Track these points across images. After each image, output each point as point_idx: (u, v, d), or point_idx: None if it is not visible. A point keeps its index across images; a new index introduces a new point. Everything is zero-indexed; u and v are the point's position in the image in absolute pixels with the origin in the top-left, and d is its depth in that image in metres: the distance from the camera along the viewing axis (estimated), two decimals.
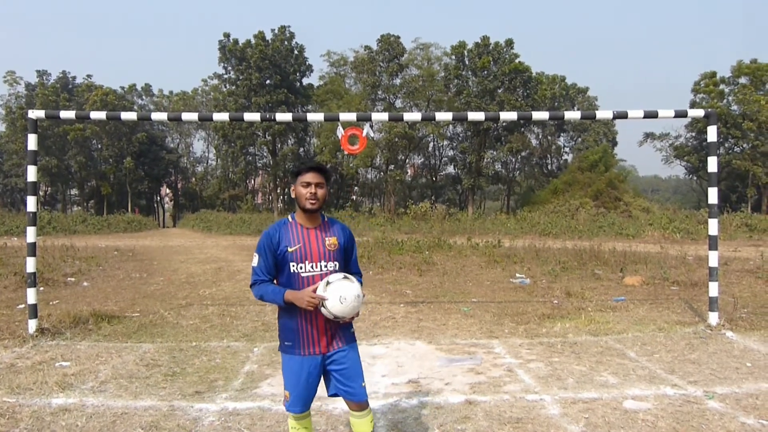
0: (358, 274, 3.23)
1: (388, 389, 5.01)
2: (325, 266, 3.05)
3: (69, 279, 12.44)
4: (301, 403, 3.12)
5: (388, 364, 5.83)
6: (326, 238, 3.09)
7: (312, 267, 3.03)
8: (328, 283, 2.95)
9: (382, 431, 4.16)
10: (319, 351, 3.07)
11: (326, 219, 3.20)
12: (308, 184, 3.03)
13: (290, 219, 3.15)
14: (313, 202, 3.03)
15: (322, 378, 3.17)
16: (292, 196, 3.11)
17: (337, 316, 2.93)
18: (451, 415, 4.42)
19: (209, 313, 8.81)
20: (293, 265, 3.03)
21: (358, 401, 3.15)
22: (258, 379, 5.37)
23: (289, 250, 3.03)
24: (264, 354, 6.31)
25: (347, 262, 3.21)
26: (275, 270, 3.09)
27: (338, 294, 2.92)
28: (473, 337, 7.07)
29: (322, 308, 2.93)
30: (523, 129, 46.88)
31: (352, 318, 3.06)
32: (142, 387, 5.12)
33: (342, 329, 3.14)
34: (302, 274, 3.03)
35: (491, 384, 5.17)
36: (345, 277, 2.99)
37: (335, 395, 3.18)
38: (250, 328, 7.66)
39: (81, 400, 4.73)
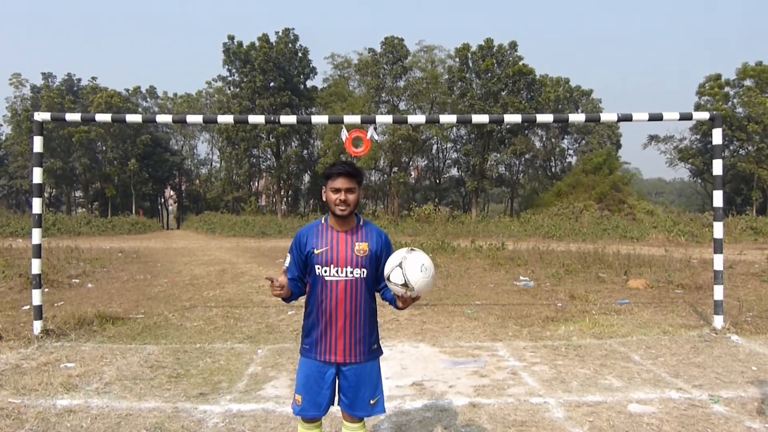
0: None
1: (392, 391, 5.01)
2: (351, 272, 2.94)
3: (74, 280, 12.48)
4: (312, 407, 3.02)
5: (392, 367, 5.82)
6: (356, 243, 2.97)
7: (337, 272, 2.94)
8: (412, 249, 2.85)
9: None
10: (335, 359, 2.98)
11: (362, 222, 3.08)
12: (338, 190, 2.93)
13: (323, 221, 3.08)
14: (343, 208, 2.93)
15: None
16: (324, 199, 3.02)
17: (408, 283, 2.74)
18: (455, 417, 4.42)
19: (213, 314, 8.82)
20: (318, 268, 2.96)
21: (351, 414, 3.07)
22: (262, 381, 5.37)
23: (315, 252, 2.96)
24: (268, 356, 6.32)
25: (380, 270, 3.01)
26: (304, 270, 3.04)
27: (421, 261, 2.78)
28: (477, 340, 7.06)
29: (396, 268, 2.77)
30: (526, 131, 46.81)
31: (414, 301, 2.86)
32: (147, 388, 5.13)
33: (364, 342, 3.03)
34: (326, 278, 2.95)
35: (495, 387, 5.16)
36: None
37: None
38: (254, 330, 7.67)
39: (86, 402, 4.74)
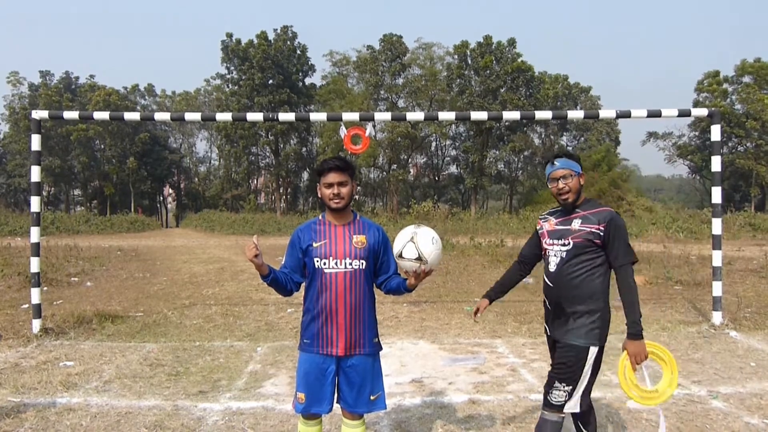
0: (396, 275, 3.13)
1: (392, 389, 5.01)
2: (350, 264, 2.97)
3: (73, 279, 12.47)
4: (315, 404, 3.01)
5: (391, 364, 5.83)
6: (354, 236, 3.02)
7: (336, 263, 2.97)
8: (419, 225, 2.97)
9: (385, 431, 4.16)
10: (336, 352, 2.98)
11: (358, 217, 3.14)
12: (330, 185, 2.99)
13: (320, 218, 3.13)
14: (337, 201, 2.99)
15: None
16: (319, 195, 3.08)
17: (422, 256, 2.85)
18: (455, 414, 4.43)
19: (212, 312, 8.82)
20: (317, 261, 2.99)
21: (351, 411, 3.08)
22: (261, 379, 5.38)
23: (314, 245, 3.01)
24: (267, 354, 6.33)
25: (379, 263, 3.11)
26: (300, 266, 3.08)
27: (431, 234, 2.91)
28: (476, 337, 7.07)
29: (409, 243, 2.87)
30: (525, 128, 46.79)
31: (427, 275, 2.95)
32: (146, 386, 5.14)
33: (365, 334, 3.04)
34: (326, 270, 2.97)
35: (494, 383, 5.17)
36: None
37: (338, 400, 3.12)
38: (254, 328, 7.68)
39: (85, 400, 4.75)
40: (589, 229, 3.00)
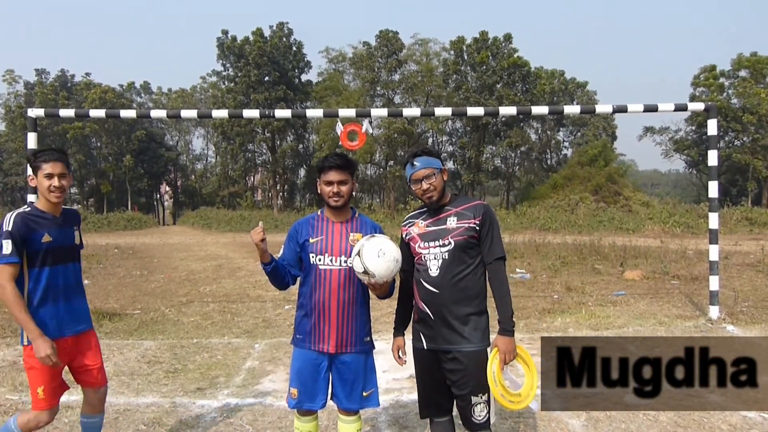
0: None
1: (389, 384, 5.03)
2: (345, 261, 2.96)
3: None
4: (308, 399, 3.02)
5: (389, 360, 5.78)
6: (351, 234, 3.02)
7: (331, 260, 2.97)
8: (372, 236, 2.89)
9: (383, 426, 4.17)
10: (327, 349, 2.99)
11: (357, 215, 3.14)
12: (330, 183, 2.98)
13: (319, 213, 3.13)
14: (336, 200, 2.99)
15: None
16: (318, 191, 3.08)
17: (367, 270, 2.76)
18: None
19: (210, 310, 8.82)
20: (312, 256, 2.99)
21: (344, 408, 3.09)
22: (259, 376, 5.38)
23: (310, 240, 3.01)
24: (265, 350, 6.33)
25: None
26: (296, 261, 3.08)
27: (378, 247, 2.78)
28: None
29: (356, 257, 2.80)
30: (522, 124, 46.80)
31: (383, 287, 2.88)
32: (144, 384, 5.14)
33: (356, 332, 3.03)
34: (320, 266, 2.98)
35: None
36: (390, 239, 2.89)
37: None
38: (251, 325, 7.68)
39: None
40: (467, 225, 2.83)
